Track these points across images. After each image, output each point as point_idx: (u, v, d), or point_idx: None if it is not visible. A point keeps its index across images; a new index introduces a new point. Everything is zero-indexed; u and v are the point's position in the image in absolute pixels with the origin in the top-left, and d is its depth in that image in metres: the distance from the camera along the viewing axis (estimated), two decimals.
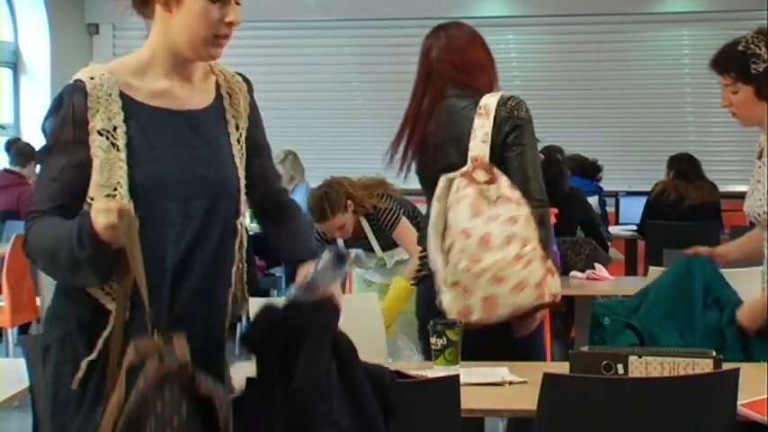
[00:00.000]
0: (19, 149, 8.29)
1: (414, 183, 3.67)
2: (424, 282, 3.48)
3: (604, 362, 2.87)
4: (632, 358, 2.87)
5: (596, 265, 5.62)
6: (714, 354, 2.90)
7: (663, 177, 8.25)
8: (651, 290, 3.41)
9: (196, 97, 2.43)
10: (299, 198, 8.54)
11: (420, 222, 5.13)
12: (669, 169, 8.13)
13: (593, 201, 8.21)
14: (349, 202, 4.86)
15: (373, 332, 3.67)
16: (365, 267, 5.08)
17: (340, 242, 5.01)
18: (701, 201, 7.92)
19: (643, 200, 8.36)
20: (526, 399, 2.71)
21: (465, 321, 3.13)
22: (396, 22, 10.70)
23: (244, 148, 2.48)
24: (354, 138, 10.78)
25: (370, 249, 5.00)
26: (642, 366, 2.86)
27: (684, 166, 8.05)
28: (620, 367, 2.86)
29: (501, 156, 3.32)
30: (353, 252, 5.06)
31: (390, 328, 4.64)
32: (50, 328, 2.37)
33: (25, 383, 2.97)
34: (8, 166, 8.16)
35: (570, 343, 6.15)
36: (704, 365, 2.84)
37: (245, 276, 2.54)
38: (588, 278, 5.51)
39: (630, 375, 2.84)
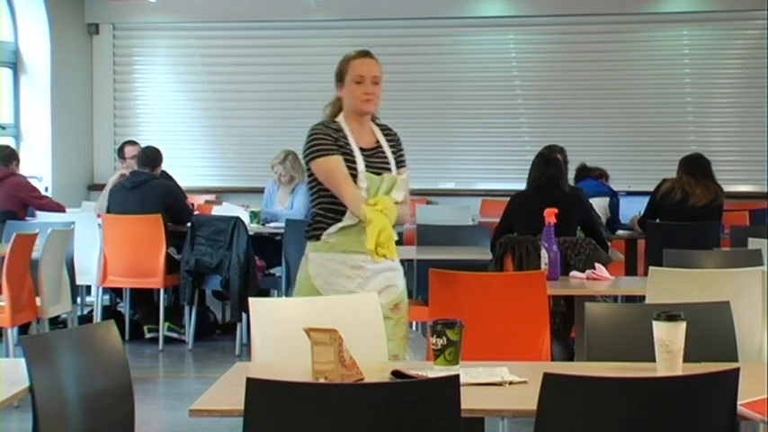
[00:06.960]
0: (1, 151, 8.48)
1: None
2: None
3: None
4: None
5: (596, 265, 5.61)
6: None
7: (674, 175, 8.21)
8: None
9: None
10: (300, 198, 8.51)
11: None
12: (680, 167, 8.11)
13: (604, 202, 8.20)
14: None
15: (373, 332, 3.67)
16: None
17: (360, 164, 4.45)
18: (706, 202, 7.91)
19: (643, 200, 8.36)
20: (526, 399, 2.70)
21: None
22: (395, 22, 10.69)
23: None
24: None
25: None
26: None
27: (694, 165, 8.03)
28: None
29: None
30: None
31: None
32: None
33: (25, 383, 2.96)
34: None
35: (570, 343, 6.14)
36: (704, 365, 2.83)
37: None
38: (588, 278, 5.50)
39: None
